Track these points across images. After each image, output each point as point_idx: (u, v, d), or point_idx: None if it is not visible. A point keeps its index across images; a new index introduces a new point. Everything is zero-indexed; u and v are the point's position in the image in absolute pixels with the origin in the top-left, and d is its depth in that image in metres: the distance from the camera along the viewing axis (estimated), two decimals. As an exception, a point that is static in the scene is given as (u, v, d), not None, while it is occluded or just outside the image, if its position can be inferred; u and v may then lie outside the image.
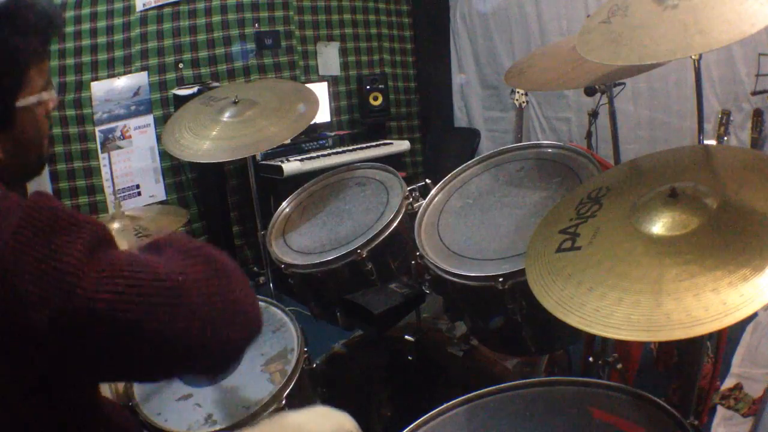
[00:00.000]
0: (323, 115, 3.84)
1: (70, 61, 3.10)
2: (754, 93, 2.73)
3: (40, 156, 0.95)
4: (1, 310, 0.63)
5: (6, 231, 0.64)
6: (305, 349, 1.44)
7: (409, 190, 1.72)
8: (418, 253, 1.49)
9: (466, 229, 1.50)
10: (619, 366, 1.43)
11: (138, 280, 0.67)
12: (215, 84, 3.42)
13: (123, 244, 1.60)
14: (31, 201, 0.69)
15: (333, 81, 4.13)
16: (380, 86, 4.15)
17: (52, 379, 0.69)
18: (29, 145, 0.92)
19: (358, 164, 1.99)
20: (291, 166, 3.20)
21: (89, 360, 0.68)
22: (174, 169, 3.45)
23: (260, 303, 1.61)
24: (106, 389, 1.39)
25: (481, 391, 1.12)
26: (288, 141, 2.62)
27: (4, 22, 0.87)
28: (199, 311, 0.70)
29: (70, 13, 3.06)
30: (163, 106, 3.39)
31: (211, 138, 1.91)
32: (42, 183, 2.81)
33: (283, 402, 1.28)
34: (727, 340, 1.91)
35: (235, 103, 1.99)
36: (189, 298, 0.70)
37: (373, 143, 3.83)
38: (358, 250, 1.55)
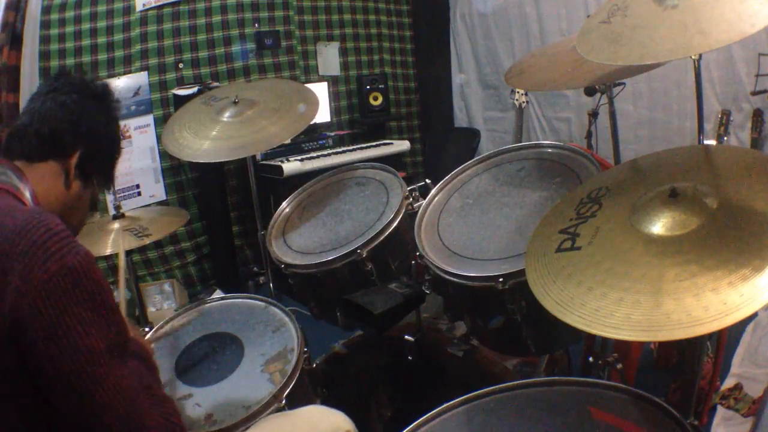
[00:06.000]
0: (323, 115, 3.84)
1: (70, 60, 3.10)
2: (754, 93, 2.73)
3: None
4: None
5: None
6: (305, 349, 1.44)
7: (409, 190, 1.72)
8: (418, 253, 1.49)
9: (466, 229, 1.50)
10: (619, 366, 1.42)
11: None
12: (215, 84, 3.41)
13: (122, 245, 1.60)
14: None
15: (333, 81, 4.13)
16: (380, 86, 4.15)
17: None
18: (78, 209, 1.07)
19: (358, 164, 1.99)
20: (291, 166, 3.20)
21: None
22: (174, 169, 3.45)
23: (260, 303, 1.62)
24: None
25: (481, 391, 1.12)
26: (288, 141, 2.62)
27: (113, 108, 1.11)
28: None
29: (70, 13, 3.06)
30: (163, 106, 3.39)
31: (211, 138, 1.91)
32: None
33: (283, 402, 1.28)
34: (727, 340, 1.91)
35: (235, 103, 1.98)
36: None
37: (373, 143, 3.83)
38: (358, 250, 1.55)
